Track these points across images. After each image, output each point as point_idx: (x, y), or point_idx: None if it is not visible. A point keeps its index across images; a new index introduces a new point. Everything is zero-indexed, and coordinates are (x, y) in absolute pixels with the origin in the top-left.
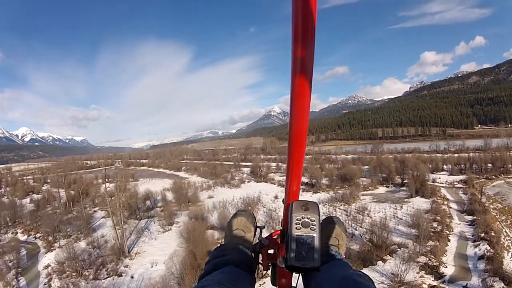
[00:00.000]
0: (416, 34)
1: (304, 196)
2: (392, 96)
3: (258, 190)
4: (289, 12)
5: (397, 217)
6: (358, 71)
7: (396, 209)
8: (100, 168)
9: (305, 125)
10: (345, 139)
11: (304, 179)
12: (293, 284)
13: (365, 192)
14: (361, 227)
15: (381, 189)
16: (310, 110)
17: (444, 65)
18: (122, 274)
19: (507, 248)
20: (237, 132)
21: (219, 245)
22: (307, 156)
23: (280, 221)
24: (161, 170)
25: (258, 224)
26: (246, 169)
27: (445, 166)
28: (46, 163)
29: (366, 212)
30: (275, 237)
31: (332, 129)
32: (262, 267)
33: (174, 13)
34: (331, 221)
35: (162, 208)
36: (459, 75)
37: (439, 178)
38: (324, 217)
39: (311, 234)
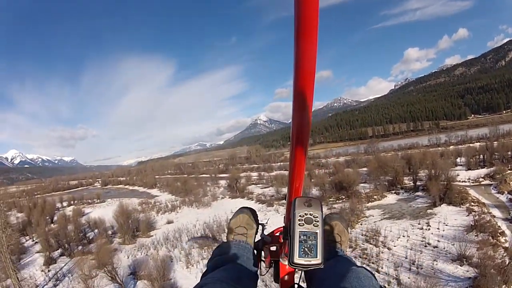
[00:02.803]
0: (398, 31)
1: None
2: (378, 96)
3: (230, 210)
4: (273, 18)
5: (428, 244)
6: (342, 74)
7: (422, 228)
8: (79, 189)
9: (307, 121)
10: (334, 141)
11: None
12: (296, 281)
13: (371, 204)
14: (378, 271)
15: (390, 198)
16: None
17: (428, 60)
18: None
19: None
20: (225, 143)
21: (221, 242)
22: None
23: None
24: (135, 187)
25: (260, 221)
26: (223, 182)
27: (458, 160)
28: (32, 185)
29: (379, 238)
30: (277, 234)
31: (320, 132)
32: (264, 264)
33: (155, 27)
34: (333, 217)
35: (105, 241)
36: (444, 68)
37: (458, 175)
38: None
39: (314, 231)
